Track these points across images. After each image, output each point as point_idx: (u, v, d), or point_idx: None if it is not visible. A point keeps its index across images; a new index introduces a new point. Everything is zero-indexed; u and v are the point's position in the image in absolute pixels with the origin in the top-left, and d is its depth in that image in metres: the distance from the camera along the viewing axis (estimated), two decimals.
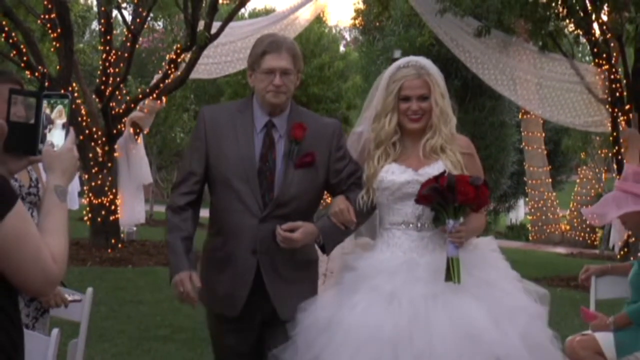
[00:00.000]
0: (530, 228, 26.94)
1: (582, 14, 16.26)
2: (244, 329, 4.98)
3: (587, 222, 24.35)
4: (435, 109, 5.01)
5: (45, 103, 3.14)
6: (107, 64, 16.24)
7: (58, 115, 3.16)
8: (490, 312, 4.63)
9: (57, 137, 3.15)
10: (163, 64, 18.39)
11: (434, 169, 4.90)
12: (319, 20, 34.76)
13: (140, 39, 19.59)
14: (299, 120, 4.93)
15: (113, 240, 16.05)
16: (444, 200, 4.68)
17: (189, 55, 16.10)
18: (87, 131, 15.79)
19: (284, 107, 4.95)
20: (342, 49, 44.49)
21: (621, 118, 16.49)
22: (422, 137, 5.05)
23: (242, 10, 23.30)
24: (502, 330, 4.58)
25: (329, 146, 4.99)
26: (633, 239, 14.64)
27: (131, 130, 17.04)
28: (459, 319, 4.57)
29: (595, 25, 16.79)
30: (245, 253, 4.86)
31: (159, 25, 32.68)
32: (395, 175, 4.97)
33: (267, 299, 4.87)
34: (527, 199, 27.81)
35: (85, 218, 16.74)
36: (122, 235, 17.01)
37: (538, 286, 4.96)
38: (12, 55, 15.78)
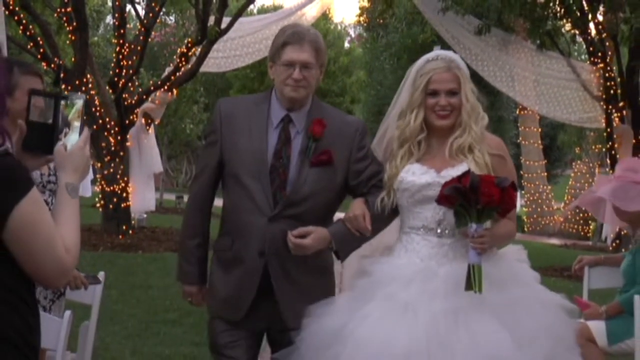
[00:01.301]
0: (525, 220, 26.88)
1: (578, 14, 16.23)
2: (245, 335, 4.54)
3: (581, 215, 24.35)
4: (465, 104, 4.48)
5: (62, 103, 3.12)
6: (120, 56, 16.22)
7: (76, 116, 3.15)
8: (513, 335, 4.12)
9: (73, 138, 3.13)
10: (174, 57, 18.39)
11: (457, 172, 4.30)
12: (325, 17, 34.73)
13: (153, 33, 19.54)
14: (320, 117, 4.48)
15: (124, 227, 16.06)
16: (466, 202, 4.13)
17: (199, 49, 16.09)
18: (100, 121, 15.79)
19: (303, 102, 4.49)
20: (346, 45, 44.43)
21: (615, 115, 16.50)
22: (450, 135, 4.51)
23: (251, 6, 23.26)
24: (526, 355, 4.11)
25: (350, 145, 4.51)
26: (625, 231, 14.63)
27: (143, 120, 17.02)
28: (481, 340, 4.10)
29: (592, 25, 16.77)
30: (252, 254, 4.43)
31: (171, 19, 32.72)
32: (415, 176, 4.45)
33: (274, 305, 4.45)
34: (523, 192, 27.76)
35: (98, 205, 16.76)
36: (132, 222, 17.02)
37: (566, 300, 4.45)
38: (29, 47, 15.78)
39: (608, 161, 17.21)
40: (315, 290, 4.46)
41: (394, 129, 4.65)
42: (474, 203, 4.11)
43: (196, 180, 4.72)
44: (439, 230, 4.42)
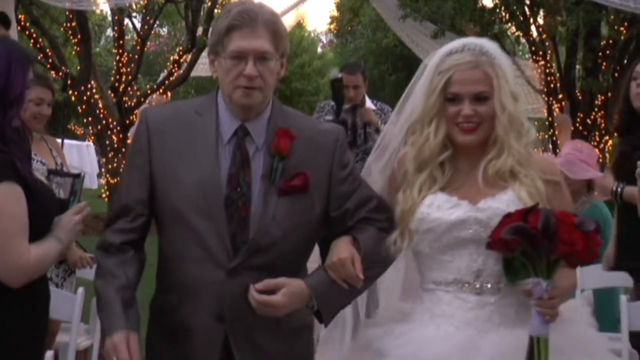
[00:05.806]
0: None
1: (522, 18, 16.33)
2: None
3: None
4: (500, 115, 2.83)
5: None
6: (120, 64, 16.19)
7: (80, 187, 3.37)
8: None
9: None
10: (168, 64, 18.35)
11: (501, 202, 2.80)
12: (299, 25, 34.68)
13: (148, 43, 19.49)
14: (285, 125, 2.86)
15: None
16: (534, 250, 2.59)
17: (189, 56, 16.08)
18: (104, 122, 15.75)
19: (260, 107, 2.86)
20: (319, 50, 44.42)
21: (555, 106, 16.63)
22: (482, 156, 2.90)
23: None
24: None
25: (329, 162, 2.89)
26: None
27: None
28: None
29: (533, 28, 16.87)
30: (207, 320, 2.85)
31: (164, 31, 32.60)
32: (442, 210, 2.85)
33: None
34: None
35: (104, 195, 16.70)
36: None
37: None
38: (39, 58, 15.73)
39: (550, 146, 17.32)
40: None
41: (399, 145, 3.11)
42: (546, 252, 2.59)
43: (116, 221, 3.03)
44: (477, 285, 2.84)
